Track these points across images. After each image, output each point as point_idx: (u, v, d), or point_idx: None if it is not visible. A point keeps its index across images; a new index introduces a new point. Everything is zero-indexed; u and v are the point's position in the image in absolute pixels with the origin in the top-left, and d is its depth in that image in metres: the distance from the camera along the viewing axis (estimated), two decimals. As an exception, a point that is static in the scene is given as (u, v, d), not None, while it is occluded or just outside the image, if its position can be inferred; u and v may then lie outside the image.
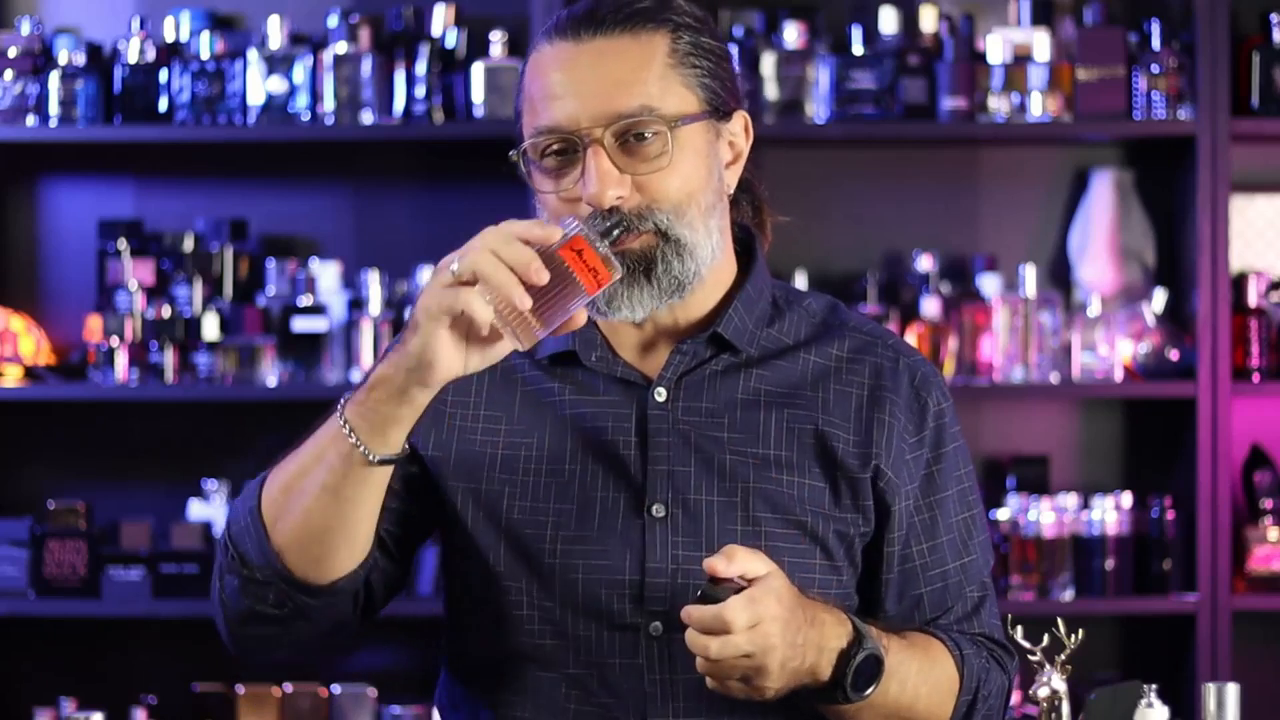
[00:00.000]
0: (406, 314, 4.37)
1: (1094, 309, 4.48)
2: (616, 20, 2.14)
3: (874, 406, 2.21)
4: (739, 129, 2.22)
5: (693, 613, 1.98)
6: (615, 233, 2.08)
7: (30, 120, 4.42)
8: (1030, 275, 4.48)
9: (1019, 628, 2.20)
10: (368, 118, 4.40)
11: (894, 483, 2.19)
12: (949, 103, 4.40)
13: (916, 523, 2.21)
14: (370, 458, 2.02)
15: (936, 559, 2.21)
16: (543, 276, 1.94)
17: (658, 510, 2.14)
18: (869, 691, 2.07)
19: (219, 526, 4.40)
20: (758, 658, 1.99)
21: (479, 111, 4.40)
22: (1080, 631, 2.19)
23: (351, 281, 4.55)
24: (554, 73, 2.13)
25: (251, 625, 2.14)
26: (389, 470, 2.05)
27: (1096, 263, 4.57)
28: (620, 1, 2.15)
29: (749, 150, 2.23)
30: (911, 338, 4.41)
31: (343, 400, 2.04)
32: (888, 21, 4.49)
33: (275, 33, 4.43)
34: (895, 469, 2.20)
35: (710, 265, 2.17)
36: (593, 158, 2.10)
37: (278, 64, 4.41)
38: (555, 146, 2.12)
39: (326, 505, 2.05)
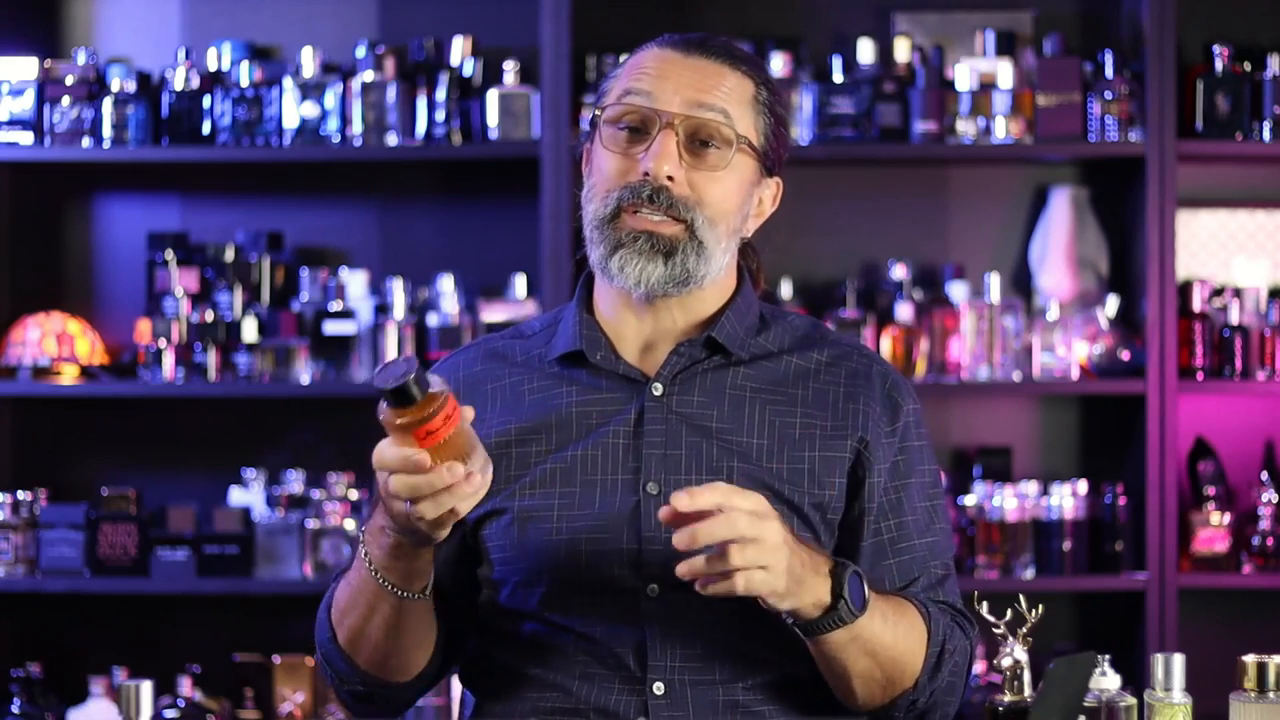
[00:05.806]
0: (428, 319, 4.38)
1: (1053, 313, 4.47)
2: (721, 52, 2.26)
3: (851, 399, 2.27)
4: (771, 192, 2.31)
5: (696, 495, 1.99)
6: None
7: (86, 142, 4.43)
8: (995, 283, 4.47)
9: (984, 603, 2.20)
10: (392, 140, 4.39)
11: (870, 456, 2.25)
12: (921, 126, 4.39)
13: (885, 501, 2.26)
14: (413, 597, 2.16)
15: (903, 534, 2.26)
16: (426, 461, 1.98)
17: (652, 488, 2.19)
18: (865, 606, 2.10)
19: (257, 511, 4.43)
20: (766, 552, 2.00)
21: (493, 134, 4.39)
22: (1040, 607, 2.19)
23: (378, 288, 4.54)
24: (658, 63, 2.23)
25: (365, 709, 2.31)
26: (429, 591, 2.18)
27: (1055, 271, 4.56)
28: (728, 41, 2.28)
29: (770, 214, 2.32)
30: (886, 339, 4.40)
31: (365, 554, 2.14)
32: (865, 52, 4.49)
33: (308, 62, 4.43)
34: (873, 445, 2.25)
35: (713, 278, 2.25)
36: (663, 138, 2.19)
37: (311, 91, 4.40)
38: (633, 120, 2.21)
39: (394, 639, 2.21)
